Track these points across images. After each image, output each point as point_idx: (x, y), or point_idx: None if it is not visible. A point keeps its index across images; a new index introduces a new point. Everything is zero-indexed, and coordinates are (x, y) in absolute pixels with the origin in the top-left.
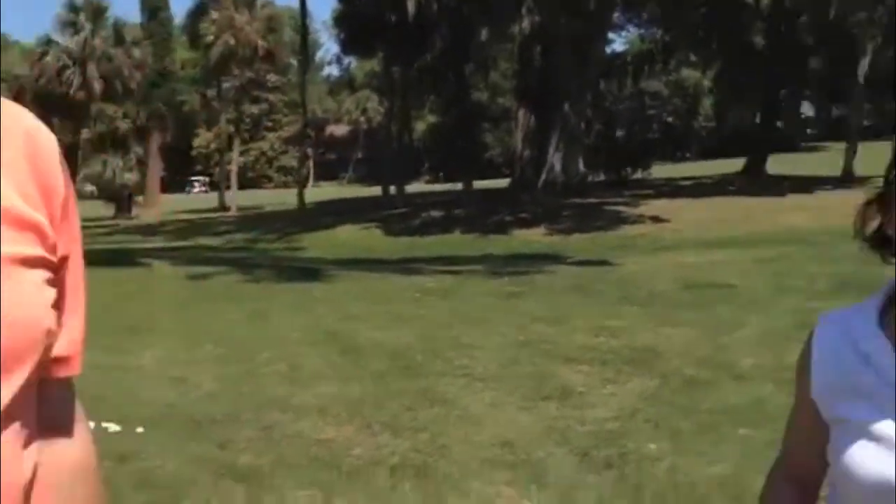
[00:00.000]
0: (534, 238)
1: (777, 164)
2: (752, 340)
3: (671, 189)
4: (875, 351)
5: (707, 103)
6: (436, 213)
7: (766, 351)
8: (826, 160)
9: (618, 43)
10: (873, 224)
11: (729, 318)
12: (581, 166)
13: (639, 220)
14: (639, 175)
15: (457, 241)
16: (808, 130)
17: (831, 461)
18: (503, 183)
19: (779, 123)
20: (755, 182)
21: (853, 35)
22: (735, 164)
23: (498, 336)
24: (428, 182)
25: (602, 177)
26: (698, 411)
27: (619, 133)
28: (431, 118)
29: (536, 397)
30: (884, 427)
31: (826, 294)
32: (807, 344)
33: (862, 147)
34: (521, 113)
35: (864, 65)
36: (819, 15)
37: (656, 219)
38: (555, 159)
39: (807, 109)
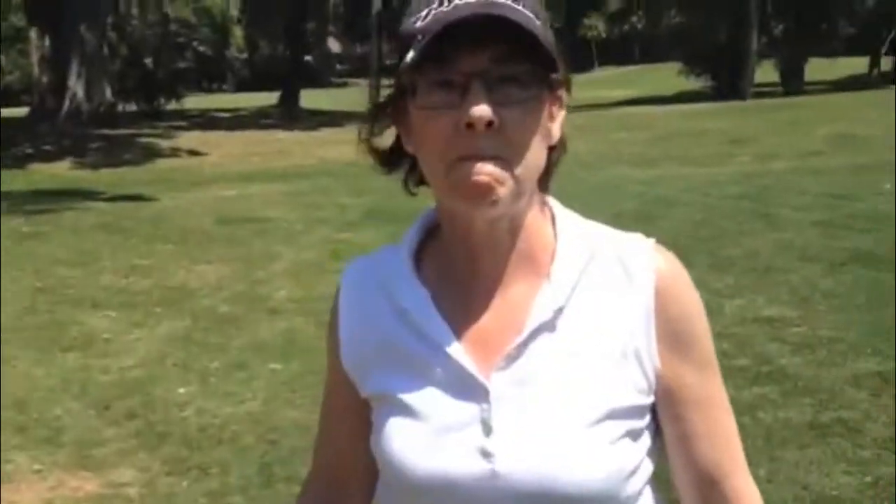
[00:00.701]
0: (58, 172)
1: (310, 99)
2: (285, 273)
3: (207, 121)
4: (414, 306)
5: (238, 34)
6: None
7: (298, 283)
8: (355, 95)
9: None
10: (390, 140)
11: (263, 252)
12: (108, 94)
13: (174, 153)
14: (173, 106)
15: None
16: (338, 66)
17: (375, 452)
18: (23, 112)
19: (308, 58)
20: (290, 116)
21: None
22: (270, 98)
23: (11, 283)
24: None
25: (133, 107)
26: (229, 349)
27: (149, 61)
28: None
29: (55, 348)
30: (430, 402)
31: (356, 224)
32: (334, 303)
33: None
34: (33, 33)
35: (377, 4)
36: None
37: (193, 152)
38: (77, 86)
39: (333, 45)
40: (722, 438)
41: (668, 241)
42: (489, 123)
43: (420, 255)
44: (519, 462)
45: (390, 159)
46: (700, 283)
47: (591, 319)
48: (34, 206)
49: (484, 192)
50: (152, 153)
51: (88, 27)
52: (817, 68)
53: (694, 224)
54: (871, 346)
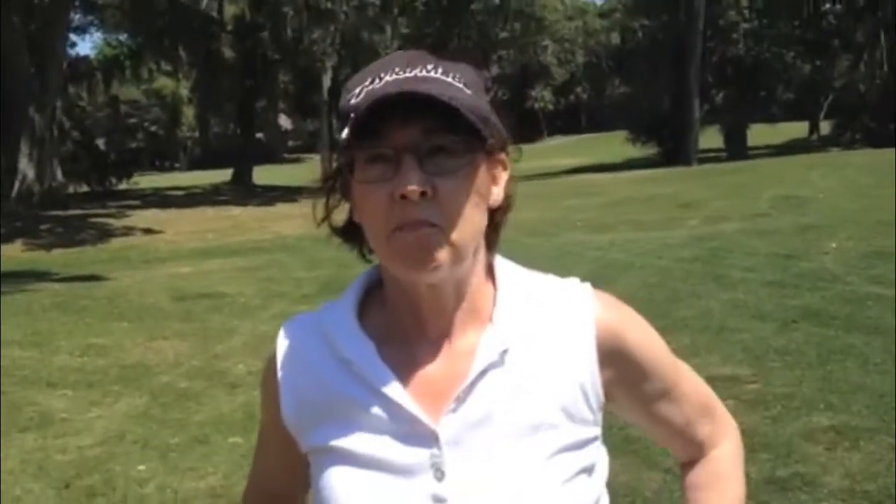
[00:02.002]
0: (11, 254)
1: (263, 175)
2: (243, 347)
3: (160, 199)
4: (358, 357)
5: (189, 113)
6: None
7: (256, 357)
8: (307, 170)
9: (85, 46)
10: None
11: (220, 327)
12: (59, 176)
13: (129, 231)
14: (124, 185)
15: None
16: (290, 142)
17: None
18: None
19: (260, 135)
20: (244, 192)
21: (313, 52)
22: (224, 175)
23: None
24: None
25: (85, 188)
26: (189, 425)
27: (100, 142)
28: None
29: (11, 429)
30: (379, 451)
31: (312, 297)
32: (270, 358)
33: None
34: None
35: (326, 81)
36: (278, 32)
37: (149, 230)
38: (27, 168)
39: (284, 122)
40: (690, 402)
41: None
42: (422, 193)
43: (362, 311)
44: None
45: (347, 232)
46: None
47: (536, 359)
48: None
49: (424, 260)
50: (106, 233)
51: (37, 110)
52: (759, 133)
53: (648, 287)
54: (824, 400)
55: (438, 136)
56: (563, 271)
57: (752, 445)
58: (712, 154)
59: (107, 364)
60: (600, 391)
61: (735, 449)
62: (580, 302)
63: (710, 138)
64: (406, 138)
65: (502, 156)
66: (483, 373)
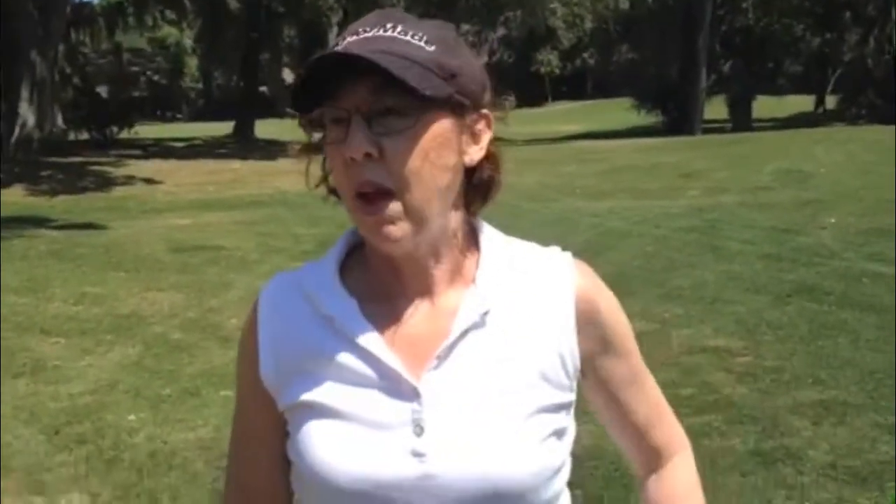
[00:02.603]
0: (11, 200)
1: (265, 129)
2: (238, 301)
3: (162, 150)
4: (340, 314)
5: (192, 63)
6: None
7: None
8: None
9: None
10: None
11: (216, 280)
12: (60, 122)
13: (129, 181)
14: (125, 134)
15: None
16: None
17: (294, 459)
18: None
19: (263, 89)
20: (245, 145)
21: (319, 7)
22: (225, 127)
23: None
24: None
25: (86, 135)
26: (181, 377)
27: (102, 90)
28: None
29: (5, 375)
30: (358, 405)
31: (310, 253)
32: (250, 317)
33: None
34: None
35: (332, 35)
36: None
37: (149, 181)
38: (28, 114)
39: (288, 76)
40: (651, 402)
41: (619, 272)
42: (367, 155)
43: (344, 270)
44: (450, 461)
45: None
46: (649, 313)
47: (516, 322)
48: None
49: (384, 237)
50: (105, 181)
51: (39, 55)
52: (765, 105)
53: (645, 255)
54: (813, 375)
55: (386, 96)
56: (559, 238)
57: (740, 417)
58: (717, 125)
59: (101, 313)
60: (577, 358)
61: (692, 467)
62: (561, 269)
63: (716, 109)
64: (354, 100)
65: (484, 112)
66: (465, 332)
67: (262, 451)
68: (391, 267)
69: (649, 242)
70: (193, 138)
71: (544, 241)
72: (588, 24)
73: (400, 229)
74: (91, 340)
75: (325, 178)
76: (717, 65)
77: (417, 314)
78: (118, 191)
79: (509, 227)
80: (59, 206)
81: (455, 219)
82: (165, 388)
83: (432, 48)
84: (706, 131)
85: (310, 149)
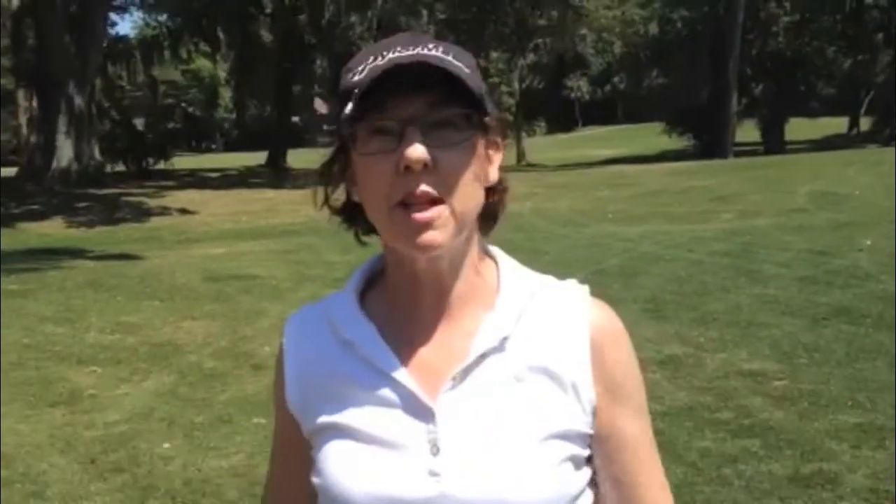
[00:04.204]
0: (50, 231)
1: (297, 158)
2: (271, 329)
3: (196, 180)
4: (359, 338)
5: (226, 95)
6: None
7: None
8: None
9: (125, 26)
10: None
11: (250, 309)
12: (97, 154)
13: (165, 211)
14: (161, 165)
15: None
16: (326, 127)
17: (317, 480)
18: (11, 172)
19: (296, 119)
20: (278, 175)
21: (350, 38)
22: (259, 157)
23: None
24: None
25: (122, 167)
26: (214, 404)
27: (138, 122)
28: None
29: (41, 404)
30: (377, 426)
31: (343, 281)
32: (280, 346)
33: None
34: (21, 94)
35: None
36: (316, 16)
37: (184, 211)
38: (65, 146)
39: (320, 106)
40: (649, 475)
41: (652, 297)
42: (425, 164)
43: (365, 297)
44: (466, 481)
45: (347, 214)
46: (683, 338)
47: (534, 349)
48: (24, 263)
49: (424, 229)
50: (141, 212)
51: (76, 88)
52: (797, 128)
53: (678, 280)
54: (852, 398)
55: (441, 110)
56: (592, 262)
57: (777, 442)
58: (749, 148)
59: (136, 342)
60: (591, 391)
61: None
62: (577, 302)
63: (748, 132)
64: (411, 110)
65: (497, 138)
66: (483, 356)
67: (293, 471)
68: (409, 287)
69: (683, 267)
70: (227, 168)
71: (578, 266)
72: (617, 50)
73: (441, 234)
74: (126, 369)
75: (328, 201)
76: (748, 88)
77: (435, 337)
78: (154, 221)
79: (542, 253)
80: (96, 237)
81: (474, 239)
82: (199, 416)
83: (468, 70)
84: (738, 154)
85: (330, 168)
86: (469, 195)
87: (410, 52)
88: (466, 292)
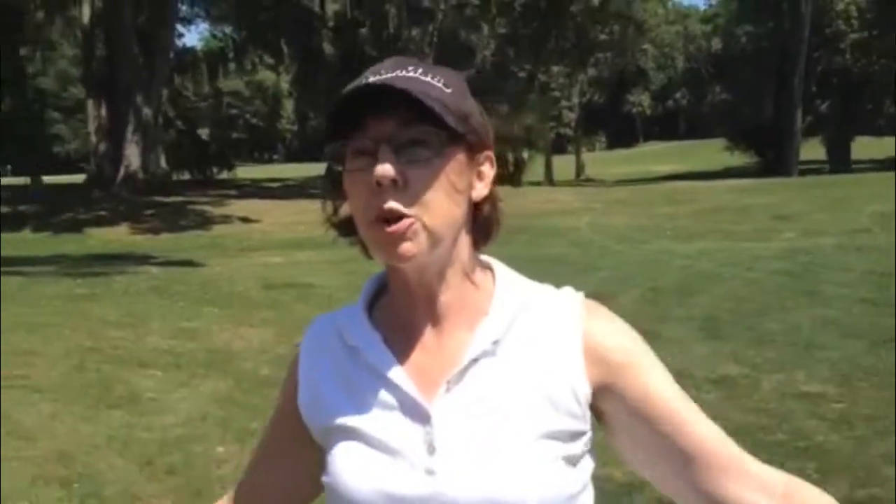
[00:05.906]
0: (116, 237)
1: None
2: None
3: (258, 190)
4: (364, 344)
5: (289, 106)
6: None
7: None
8: None
9: (192, 38)
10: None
11: (305, 317)
12: (163, 163)
13: (227, 220)
14: (225, 175)
15: (26, 241)
16: None
17: (325, 480)
18: (79, 179)
19: None
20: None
21: (411, 51)
22: (319, 168)
23: (62, 341)
24: None
25: (187, 175)
26: (268, 411)
27: (202, 131)
28: None
29: (101, 406)
30: (377, 428)
31: None
32: (295, 354)
33: None
34: (90, 103)
35: None
36: (377, 29)
37: (245, 219)
38: (132, 155)
39: None
40: (693, 413)
41: (709, 315)
42: (395, 181)
43: (374, 307)
44: (460, 479)
45: (347, 226)
46: (740, 357)
47: (527, 353)
48: (90, 268)
49: (399, 253)
50: (205, 220)
51: (144, 98)
52: (864, 147)
53: (736, 298)
54: None
55: (413, 129)
56: (647, 279)
57: (832, 466)
58: (814, 166)
59: (195, 347)
60: (587, 386)
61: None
62: (570, 308)
63: (812, 149)
64: (384, 129)
65: (489, 153)
66: (475, 360)
67: (280, 465)
68: (406, 296)
69: (741, 285)
70: (288, 178)
71: (632, 283)
72: (679, 65)
73: (415, 245)
74: (185, 374)
75: (336, 214)
76: (813, 106)
77: (432, 343)
78: (216, 229)
79: (596, 269)
80: (161, 243)
81: (463, 250)
82: (252, 422)
83: (449, 90)
84: (802, 172)
85: (329, 179)
86: (441, 209)
87: (387, 76)
88: (458, 301)
